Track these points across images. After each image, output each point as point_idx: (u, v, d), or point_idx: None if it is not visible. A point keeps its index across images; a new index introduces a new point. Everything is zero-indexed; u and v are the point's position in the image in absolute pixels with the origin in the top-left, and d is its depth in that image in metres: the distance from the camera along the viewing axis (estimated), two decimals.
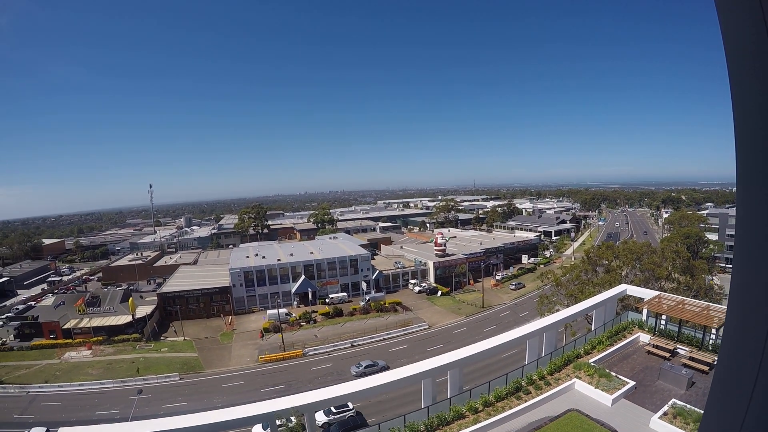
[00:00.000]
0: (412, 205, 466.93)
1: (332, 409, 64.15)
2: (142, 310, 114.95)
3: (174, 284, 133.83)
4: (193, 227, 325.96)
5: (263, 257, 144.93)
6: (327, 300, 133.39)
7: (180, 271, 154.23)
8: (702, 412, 31.11)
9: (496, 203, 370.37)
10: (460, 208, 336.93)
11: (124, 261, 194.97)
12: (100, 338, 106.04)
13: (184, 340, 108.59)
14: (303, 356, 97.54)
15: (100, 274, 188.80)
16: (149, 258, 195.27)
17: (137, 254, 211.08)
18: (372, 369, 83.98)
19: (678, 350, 43.63)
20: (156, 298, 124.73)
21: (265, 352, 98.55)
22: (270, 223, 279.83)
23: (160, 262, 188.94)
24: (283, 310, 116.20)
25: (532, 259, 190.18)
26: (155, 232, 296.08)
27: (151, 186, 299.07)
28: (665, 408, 32.85)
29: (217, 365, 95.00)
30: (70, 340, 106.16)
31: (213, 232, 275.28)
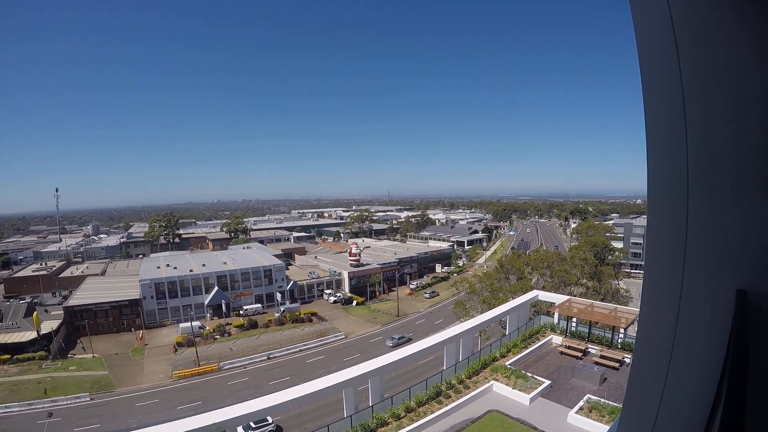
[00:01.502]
0: (326, 215, 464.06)
1: (251, 424, 62.83)
2: (48, 326, 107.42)
3: (81, 297, 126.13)
4: (101, 235, 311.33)
5: (175, 268, 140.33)
6: (241, 312, 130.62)
7: (87, 283, 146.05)
8: (615, 404, 32.89)
9: (410, 214, 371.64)
10: (375, 218, 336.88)
11: (27, 271, 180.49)
12: (5, 357, 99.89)
13: (94, 357, 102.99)
14: (219, 370, 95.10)
15: (2, 286, 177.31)
16: (54, 268, 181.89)
17: (41, 264, 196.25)
18: (402, 341, 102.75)
19: (589, 350, 45.83)
20: (62, 312, 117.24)
21: (179, 367, 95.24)
22: (182, 232, 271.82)
23: (66, 273, 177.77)
24: (196, 323, 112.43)
25: (446, 268, 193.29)
26: (61, 240, 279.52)
27: (57, 190, 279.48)
28: (581, 403, 34.66)
29: (130, 383, 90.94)
30: None
31: (122, 240, 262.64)
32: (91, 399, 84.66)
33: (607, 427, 29.58)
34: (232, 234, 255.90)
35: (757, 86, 2.71)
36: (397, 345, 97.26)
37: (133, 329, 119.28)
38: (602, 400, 34.43)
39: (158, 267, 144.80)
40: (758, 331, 2.84)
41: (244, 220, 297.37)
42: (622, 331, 45.79)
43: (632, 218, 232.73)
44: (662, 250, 3.37)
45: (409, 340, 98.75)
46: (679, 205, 3.14)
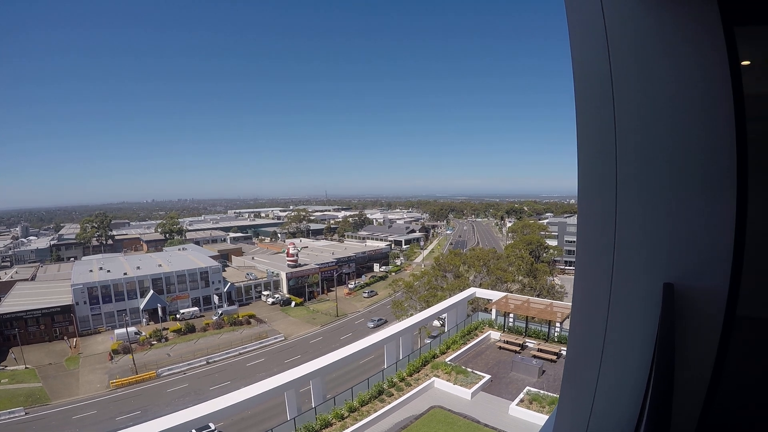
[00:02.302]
0: (263, 215, 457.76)
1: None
2: None
3: (11, 304, 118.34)
4: (31, 237, 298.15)
5: (108, 271, 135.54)
6: (178, 316, 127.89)
7: (16, 289, 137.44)
8: (554, 395, 33.97)
9: (348, 213, 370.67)
10: (312, 218, 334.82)
11: None
12: None
13: (26, 368, 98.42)
14: (157, 377, 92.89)
15: None
16: None
17: None
18: (381, 322, 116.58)
19: (527, 344, 47.39)
20: None
21: (116, 376, 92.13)
22: (115, 233, 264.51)
23: None
24: (132, 329, 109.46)
25: (384, 267, 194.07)
26: None
27: None
28: (521, 395, 36.17)
29: (65, 395, 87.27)
30: None
31: (53, 243, 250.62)
32: (26, 413, 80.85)
33: (548, 417, 30.63)
34: (167, 235, 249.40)
35: (682, 90, 2.97)
36: (377, 326, 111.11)
37: (66, 337, 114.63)
38: (542, 391, 35.97)
39: (91, 270, 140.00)
40: (684, 322, 3.11)
41: (180, 220, 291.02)
42: (558, 324, 47.70)
43: (566, 217, 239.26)
44: (592, 246, 3.73)
45: (386, 322, 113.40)
46: (608, 204, 3.44)
